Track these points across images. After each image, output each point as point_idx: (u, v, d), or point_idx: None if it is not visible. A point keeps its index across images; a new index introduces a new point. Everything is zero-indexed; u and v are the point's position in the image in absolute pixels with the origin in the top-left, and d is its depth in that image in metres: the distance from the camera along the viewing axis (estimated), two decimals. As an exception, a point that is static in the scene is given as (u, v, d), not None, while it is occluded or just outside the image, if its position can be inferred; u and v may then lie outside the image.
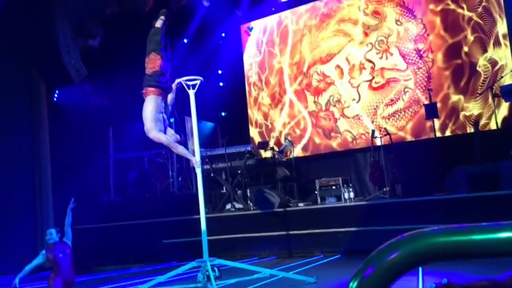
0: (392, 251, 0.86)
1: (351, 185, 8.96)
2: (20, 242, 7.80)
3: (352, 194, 8.77)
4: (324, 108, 10.12)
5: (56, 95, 9.80)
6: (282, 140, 10.23)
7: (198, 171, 5.18)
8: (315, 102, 10.24)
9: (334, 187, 8.77)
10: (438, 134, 8.49)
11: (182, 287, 5.12)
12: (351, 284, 0.95)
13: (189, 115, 9.98)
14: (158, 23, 5.30)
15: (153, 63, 5.14)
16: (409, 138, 9.19)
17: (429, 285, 1.24)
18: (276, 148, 9.88)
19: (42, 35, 8.60)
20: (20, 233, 8.06)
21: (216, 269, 4.83)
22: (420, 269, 4.70)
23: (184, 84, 5.22)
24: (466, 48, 8.79)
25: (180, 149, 5.16)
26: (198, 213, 5.18)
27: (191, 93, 5.25)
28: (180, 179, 10.37)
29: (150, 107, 5.00)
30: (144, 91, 5.11)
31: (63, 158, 9.37)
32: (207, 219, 5.06)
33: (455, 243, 0.82)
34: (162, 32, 5.28)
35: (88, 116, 10.26)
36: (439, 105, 8.67)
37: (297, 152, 10.18)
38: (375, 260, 0.89)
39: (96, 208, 9.95)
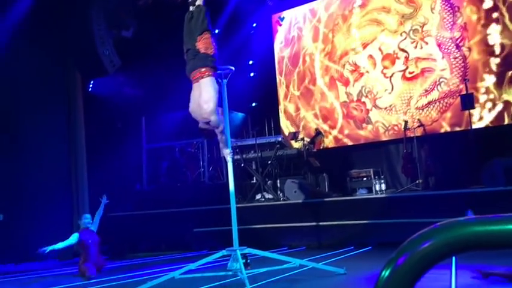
0: (425, 240, 0.85)
1: (382, 176, 8.85)
2: (56, 228, 8.06)
3: (383, 186, 8.67)
4: (355, 98, 10.00)
5: (90, 86, 10.04)
6: (313, 130, 10.17)
7: (229, 161, 5.20)
8: (346, 92, 10.12)
9: (365, 178, 8.70)
10: (474, 126, 8.27)
11: (212, 274, 5.19)
12: (383, 273, 0.95)
13: (220, 105, 10.08)
14: (199, 1, 4.95)
15: (209, 43, 4.85)
16: (443, 129, 8.98)
17: None
18: (306, 139, 9.85)
19: (77, 26, 8.80)
20: (56, 218, 8.34)
21: (247, 256, 4.87)
22: (454, 259, 4.62)
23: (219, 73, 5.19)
24: (505, 37, 8.49)
25: (224, 138, 4.98)
26: (229, 203, 5.22)
27: (223, 82, 5.25)
28: (210, 169, 10.48)
29: (213, 87, 4.74)
30: (200, 72, 4.76)
31: (97, 146, 9.60)
32: (237, 209, 5.09)
33: (490, 232, 0.80)
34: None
35: (121, 105, 10.47)
36: (475, 95, 8.43)
37: (328, 142, 10.11)
38: (407, 249, 0.89)
39: (130, 196, 10.19)
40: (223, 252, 4.89)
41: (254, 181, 9.44)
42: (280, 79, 11.18)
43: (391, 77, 9.59)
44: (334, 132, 10.22)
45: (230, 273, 4.89)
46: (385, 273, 0.93)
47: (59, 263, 7.03)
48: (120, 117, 10.69)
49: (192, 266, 5.06)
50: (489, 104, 8.58)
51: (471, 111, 8.14)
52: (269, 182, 9.19)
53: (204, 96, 4.72)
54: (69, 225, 8.57)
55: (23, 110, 8.59)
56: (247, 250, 4.90)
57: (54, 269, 6.86)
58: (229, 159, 5.17)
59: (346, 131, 10.10)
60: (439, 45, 9.11)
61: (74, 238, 6.24)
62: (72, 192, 8.97)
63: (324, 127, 10.26)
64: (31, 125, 8.63)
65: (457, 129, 8.82)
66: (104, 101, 10.08)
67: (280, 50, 11.25)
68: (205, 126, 4.86)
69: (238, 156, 9.13)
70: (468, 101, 8.04)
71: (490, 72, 8.60)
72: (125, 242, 8.82)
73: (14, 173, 8.27)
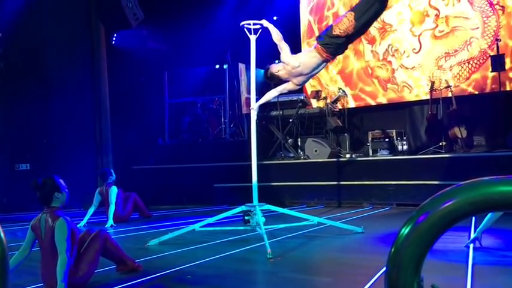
0: (447, 199, 0.84)
1: (405, 138, 8.74)
2: (83, 181, 8.27)
3: (405, 147, 8.58)
4: (381, 57, 9.74)
5: (114, 38, 10.02)
6: (336, 89, 10.00)
7: (254, 116, 5.15)
8: (371, 51, 9.86)
9: (387, 139, 8.61)
10: (504, 88, 8.02)
11: (232, 228, 5.30)
12: (402, 231, 0.95)
13: (243, 62, 9.96)
14: None
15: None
16: (471, 91, 8.73)
17: None
18: (328, 98, 9.72)
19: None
20: (81, 169, 8.55)
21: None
22: (473, 220, 4.60)
23: (245, 29, 5.09)
24: (543, -5, 8.07)
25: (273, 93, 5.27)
26: (249, 160, 5.25)
27: (252, 38, 5.16)
28: (232, 125, 10.50)
29: None
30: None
31: (121, 99, 9.69)
32: (257, 166, 5.11)
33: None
34: None
35: (144, 60, 10.46)
36: (506, 57, 8.12)
37: (351, 102, 9.96)
38: (429, 207, 0.88)
39: (152, 150, 10.35)
40: (243, 207, 4.96)
41: (275, 139, 9.44)
42: (304, 36, 10.93)
43: (419, 35, 9.28)
44: (357, 91, 10.05)
45: (249, 227, 4.99)
46: (405, 230, 0.92)
47: (84, 212, 7.25)
48: (143, 71, 10.71)
49: (211, 219, 5.16)
50: (521, 66, 8.27)
51: (501, 73, 7.87)
52: (290, 140, 9.19)
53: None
54: (93, 176, 8.80)
55: (49, 62, 8.68)
56: (267, 206, 4.96)
57: (80, 218, 7.09)
58: (254, 114, 5.13)
59: (369, 91, 9.91)
60: (471, 3, 8.71)
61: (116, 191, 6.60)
62: (96, 144, 9.16)
63: (347, 87, 10.08)
64: (57, 76, 8.76)
65: (485, 91, 8.56)
66: (127, 54, 10.08)
67: (306, 5, 10.93)
68: (288, 79, 5.16)
69: (260, 114, 9.10)
70: (499, 63, 7.77)
71: (525, 32, 8.24)
72: (148, 194, 9.03)
73: (41, 125, 8.46)
